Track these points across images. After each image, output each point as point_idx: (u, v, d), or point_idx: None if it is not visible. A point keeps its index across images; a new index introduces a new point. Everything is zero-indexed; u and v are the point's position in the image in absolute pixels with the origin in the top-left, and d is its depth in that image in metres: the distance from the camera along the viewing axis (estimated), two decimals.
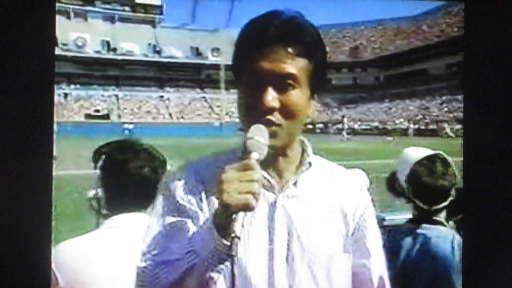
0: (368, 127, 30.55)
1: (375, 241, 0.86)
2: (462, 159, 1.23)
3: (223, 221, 0.69)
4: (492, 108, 1.20)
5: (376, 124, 30.42)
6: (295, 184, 0.82)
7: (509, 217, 1.19)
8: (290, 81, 0.76)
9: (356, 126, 31.22)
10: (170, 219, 0.79)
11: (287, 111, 0.76)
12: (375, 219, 0.88)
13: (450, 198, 1.34)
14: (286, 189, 0.81)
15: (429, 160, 1.35)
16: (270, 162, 0.76)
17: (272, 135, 0.75)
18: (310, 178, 0.83)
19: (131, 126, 24.53)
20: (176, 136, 19.25)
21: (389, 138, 23.38)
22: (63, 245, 1.07)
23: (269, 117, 0.75)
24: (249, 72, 0.77)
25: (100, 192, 1.14)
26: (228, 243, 0.69)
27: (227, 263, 0.71)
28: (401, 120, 31.44)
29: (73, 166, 8.66)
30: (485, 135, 1.20)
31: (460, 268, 1.29)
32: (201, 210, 0.79)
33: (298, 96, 0.77)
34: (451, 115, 29.05)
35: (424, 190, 1.33)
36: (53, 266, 1.03)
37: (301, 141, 0.84)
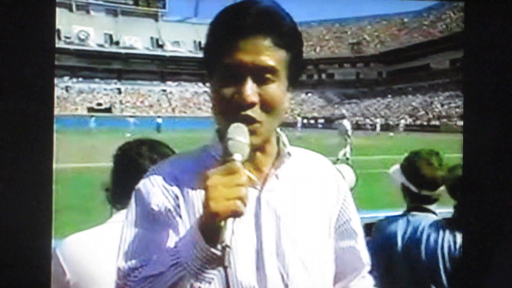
0: (370, 122, 30.41)
1: (358, 222, 0.87)
2: (461, 155, 1.24)
3: (211, 229, 0.64)
4: (492, 105, 1.21)
5: (378, 119, 30.22)
6: (276, 176, 0.79)
7: (509, 214, 1.20)
8: (269, 74, 0.72)
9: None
10: (146, 229, 0.74)
11: (267, 106, 0.72)
12: (353, 202, 0.88)
13: (441, 189, 1.52)
14: (268, 182, 0.78)
15: (427, 154, 1.54)
16: (248, 157, 0.71)
17: (252, 132, 0.71)
18: (291, 169, 0.80)
19: (160, 120, 23.86)
20: (179, 129, 19.25)
21: (391, 134, 23.33)
22: (70, 238, 1.07)
23: (249, 112, 0.71)
24: (225, 66, 0.72)
25: (111, 185, 1.16)
26: (219, 253, 0.64)
27: (216, 272, 0.67)
28: (404, 115, 31.33)
29: (78, 160, 8.71)
30: (485, 132, 1.21)
31: (448, 252, 1.40)
32: (180, 216, 0.74)
33: (277, 89, 0.73)
34: (453, 111, 28.92)
35: (421, 179, 1.51)
36: (60, 259, 1.03)
37: (276, 133, 0.81)
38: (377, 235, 1.53)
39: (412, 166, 1.53)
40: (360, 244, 0.87)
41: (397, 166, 1.61)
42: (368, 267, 0.88)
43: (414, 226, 1.47)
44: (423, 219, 1.48)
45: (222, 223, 0.63)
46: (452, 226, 1.45)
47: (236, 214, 0.63)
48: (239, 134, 0.69)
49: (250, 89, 0.71)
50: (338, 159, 10.20)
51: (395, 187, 1.60)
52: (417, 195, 1.52)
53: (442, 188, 1.50)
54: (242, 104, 0.71)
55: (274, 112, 0.74)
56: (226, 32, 0.72)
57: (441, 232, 1.43)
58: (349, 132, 11.43)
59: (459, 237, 1.40)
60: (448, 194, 1.54)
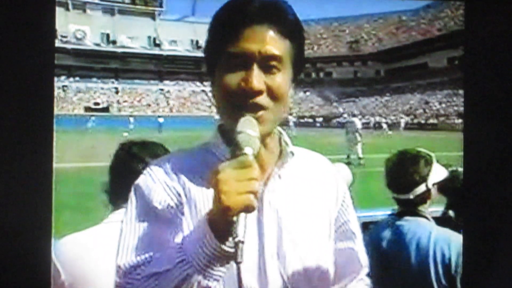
0: (367, 121, 30.43)
1: (357, 223, 0.87)
2: (461, 153, 1.23)
3: (221, 225, 0.63)
4: (493, 103, 1.20)
5: (377, 118, 30.18)
6: (279, 176, 0.78)
7: (510, 213, 1.20)
8: (275, 63, 0.72)
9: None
10: (147, 226, 0.73)
11: (273, 94, 0.72)
12: (352, 203, 0.87)
13: (419, 192, 1.43)
14: (270, 182, 0.77)
15: (402, 154, 1.49)
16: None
17: (259, 120, 0.71)
18: (293, 169, 0.80)
19: (161, 120, 23.53)
20: (180, 129, 19.25)
21: (390, 132, 23.37)
22: (65, 239, 1.07)
23: (256, 99, 0.71)
24: (230, 54, 0.71)
25: (108, 186, 1.16)
26: (230, 250, 0.63)
27: (225, 269, 0.66)
28: (401, 114, 31.39)
29: (75, 159, 8.69)
30: (485, 130, 1.21)
31: (440, 258, 1.35)
32: (182, 214, 0.73)
33: (283, 79, 0.73)
34: (451, 109, 29.00)
35: (390, 179, 1.47)
36: (55, 259, 1.03)
37: (278, 132, 0.80)
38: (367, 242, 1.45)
39: (386, 169, 1.48)
40: (358, 245, 0.86)
41: None
42: (366, 269, 0.87)
43: (402, 234, 1.40)
44: (412, 226, 1.41)
45: (235, 218, 0.62)
46: (445, 231, 1.40)
47: (249, 208, 0.62)
48: (249, 127, 0.68)
49: (257, 77, 0.71)
50: (360, 158, 10.27)
51: None
52: (396, 199, 1.46)
53: (420, 190, 1.42)
54: (249, 92, 0.70)
55: (280, 100, 0.73)
56: (230, 22, 0.72)
57: (432, 240, 1.36)
58: (360, 131, 11.46)
59: (452, 244, 1.34)
60: (440, 192, 1.51)
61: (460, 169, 1.65)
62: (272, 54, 0.71)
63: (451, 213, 1.73)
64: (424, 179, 1.43)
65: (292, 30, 0.74)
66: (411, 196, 1.43)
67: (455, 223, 1.61)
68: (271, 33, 0.72)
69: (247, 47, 0.71)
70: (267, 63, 0.72)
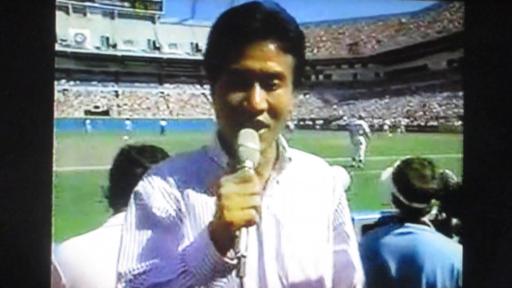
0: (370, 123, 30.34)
1: (351, 226, 0.87)
2: (461, 155, 1.23)
3: (223, 238, 0.64)
4: (492, 105, 1.21)
5: (387, 120, 30.01)
6: (277, 182, 0.78)
7: (510, 215, 1.20)
8: (277, 81, 0.71)
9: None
10: (147, 234, 0.73)
11: (275, 111, 0.72)
12: (347, 206, 0.88)
13: (434, 200, 1.43)
14: (268, 187, 0.77)
15: (420, 164, 1.44)
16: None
17: (260, 137, 0.71)
18: (291, 174, 0.80)
19: (164, 123, 23.76)
20: (183, 131, 19.25)
21: (390, 134, 23.38)
22: (66, 243, 1.08)
23: (258, 118, 0.71)
24: (232, 71, 0.71)
25: (109, 189, 1.16)
26: (233, 262, 0.64)
27: (226, 280, 0.66)
28: (401, 117, 31.40)
29: (75, 163, 8.69)
30: (485, 132, 1.20)
31: (446, 265, 1.32)
32: (181, 221, 0.73)
33: (284, 95, 0.73)
34: (451, 111, 29.03)
35: (412, 191, 1.42)
36: (56, 264, 1.03)
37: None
38: (365, 250, 1.34)
39: (403, 178, 1.44)
40: (352, 248, 0.86)
41: (388, 173, 1.53)
42: (359, 273, 0.87)
43: (406, 242, 1.38)
44: (416, 233, 1.38)
45: (237, 233, 0.62)
46: (448, 239, 1.39)
47: (250, 223, 0.62)
48: (249, 140, 0.68)
49: (259, 96, 0.70)
50: (360, 160, 10.23)
51: (387, 194, 1.54)
52: (408, 207, 1.43)
53: (434, 200, 1.42)
54: (251, 112, 0.70)
55: (281, 117, 0.73)
56: (232, 37, 0.71)
57: (437, 249, 1.34)
58: (369, 134, 11.40)
59: (458, 253, 1.31)
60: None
61: (447, 171, 1.65)
62: (274, 71, 0.71)
63: (443, 215, 1.72)
64: (439, 186, 1.43)
65: (294, 44, 0.73)
66: (430, 205, 1.42)
67: (446, 225, 1.60)
68: (273, 50, 0.71)
69: (249, 64, 0.70)
70: (269, 81, 0.71)
